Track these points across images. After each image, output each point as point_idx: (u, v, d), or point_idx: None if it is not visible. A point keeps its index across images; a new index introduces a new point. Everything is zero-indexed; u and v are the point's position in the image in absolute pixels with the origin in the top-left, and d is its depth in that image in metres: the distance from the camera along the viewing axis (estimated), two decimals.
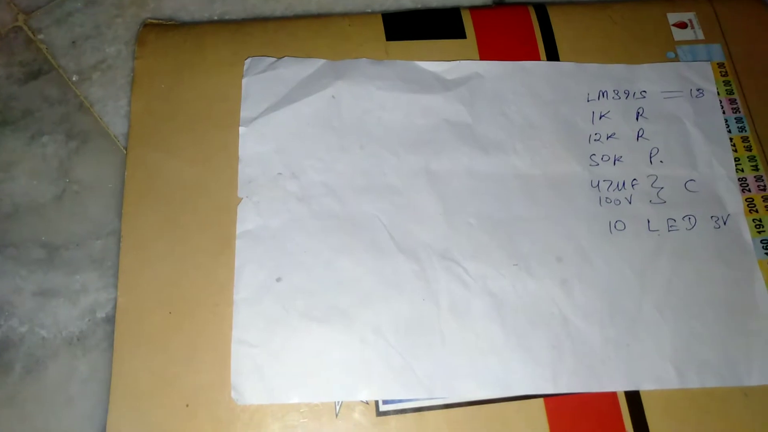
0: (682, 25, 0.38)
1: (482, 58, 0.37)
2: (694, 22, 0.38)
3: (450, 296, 0.31)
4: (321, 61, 0.35)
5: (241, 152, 0.34)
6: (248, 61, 0.35)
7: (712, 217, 0.34)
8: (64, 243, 0.34)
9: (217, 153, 0.34)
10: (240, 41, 0.36)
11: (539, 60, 0.37)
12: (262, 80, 0.35)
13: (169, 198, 0.33)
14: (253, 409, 0.29)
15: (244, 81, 0.35)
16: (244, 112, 0.34)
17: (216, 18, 0.39)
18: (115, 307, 0.31)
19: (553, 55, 0.37)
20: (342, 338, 0.30)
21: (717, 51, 0.37)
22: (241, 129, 0.34)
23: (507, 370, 0.30)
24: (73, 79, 0.37)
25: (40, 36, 0.38)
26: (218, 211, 0.33)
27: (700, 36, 0.38)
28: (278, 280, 0.31)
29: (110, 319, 0.32)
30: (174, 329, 0.31)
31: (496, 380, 0.30)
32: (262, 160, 0.33)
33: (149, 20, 0.38)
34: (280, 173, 0.33)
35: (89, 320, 0.32)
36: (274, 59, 0.35)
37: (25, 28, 0.38)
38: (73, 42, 0.38)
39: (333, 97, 0.35)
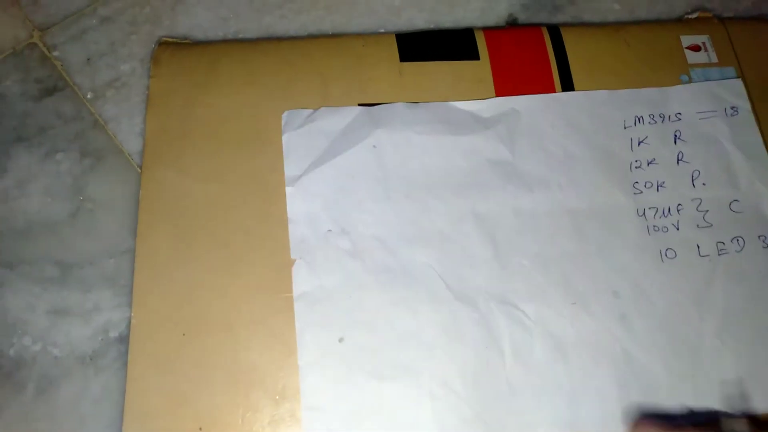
0: (695, 48, 0.38)
1: (496, 79, 0.37)
2: (708, 45, 0.38)
3: (512, 341, 0.31)
4: (357, 109, 0.35)
5: (289, 212, 0.33)
6: (285, 114, 0.35)
7: (759, 236, 0.34)
8: (78, 261, 0.34)
9: (231, 172, 0.34)
10: (254, 61, 0.36)
11: (552, 82, 0.37)
12: (302, 135, 0.34)
13: (183, 217, 0.33)
14: None
15: (284, 137, 0.34)
16: (288, 171, 0.34)
17: (230, 36, 0.39)
18: (128, 327, 0.32)
19: (566, 76, 0.37)
20: (411, 394, 0.30)
21: (730, 74, 0.37)
22: (288, 189, 0.34)
23: (576, 413, 0.30)
24: (88, 96, 0.37)
25: (55, 53, 0.38)
26: (232, 231, 0.33)
27: (714, 59, 0.38)
28: (341, 340, 0.31)
29: (123, 339, 0.32)
30: (187, 350, 0.31)
31: (566, 424, 0.30)
32: (310, 219, 0.33)
33: (164, 39, 0.38)
34: (330, 230, 0.33)
35: (102, 339, 0.32)
36: (311, 111, 0.35)
37: (41, 44, 0.38)
38: (88, 59, 0.38)
39: (374, 146, 0.34)
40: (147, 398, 0.30)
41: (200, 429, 0.29)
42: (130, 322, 0.31)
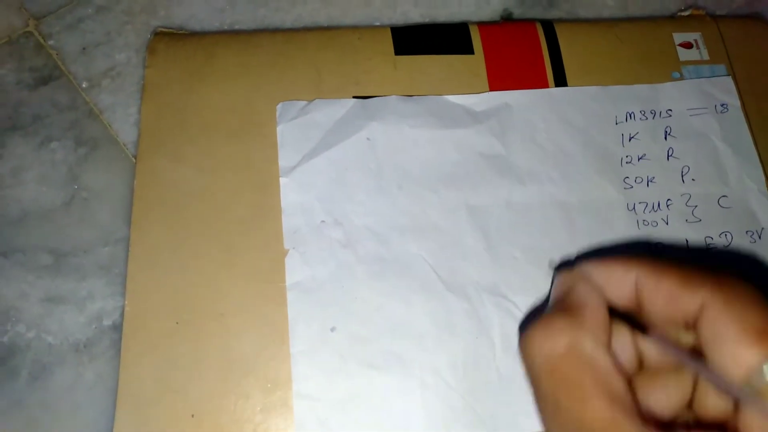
0: (687, 45, 0.38)
1: (490, 73, 0.37)
2: (700, 43, 0.38)
3: (502, 332, 0.32)
4: (351, 101, 0.35)
5: (283, 203, 0.33)
6: (280, 106, 0.35)
7: (747, 231, 0.34)
8: (72, 249, 0.34)
9: (226, 163, 0.34)
10: (249, 52, 0.37)
11: (545, 77, 0.37)
12: (297, 126, 0.35)
13: (177, 207, 0.33)
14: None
15: (279, 128, 0.35)
16: (283, 162, 0.34)
17: (226, 28, 0.39)
18: (122, 315, 0.32)
19: (559, 72, 0.37)
20: (402, 384, 0.30)
21: (721, 71, 0.38)
22: (282, 180, 0.34)
23: None
24: (83, 85, 0.37)
25: (51, 42, 0.38)
26: (226, 221, 0.33)
27: (705, 56, 0.38)
28: (332, 329, 0.31)
29: (117, 327, 0.33)
30: (180, 338, 0.31)
31: None
32: (304, 209, 0.33)
33: (160, 29, 0.38)
34: (324, 221, 0.33)
35: (96, 327, 0.33)
36: (305, 102, 0.35)
37: (36, 33, 0.38)
38: (84, 48, 0.38)
39: (368, 139, 0.35)
40: (140, 386, 0.30)
41: (192, 416, 0.30)
42: (123, 311, 0.31)
